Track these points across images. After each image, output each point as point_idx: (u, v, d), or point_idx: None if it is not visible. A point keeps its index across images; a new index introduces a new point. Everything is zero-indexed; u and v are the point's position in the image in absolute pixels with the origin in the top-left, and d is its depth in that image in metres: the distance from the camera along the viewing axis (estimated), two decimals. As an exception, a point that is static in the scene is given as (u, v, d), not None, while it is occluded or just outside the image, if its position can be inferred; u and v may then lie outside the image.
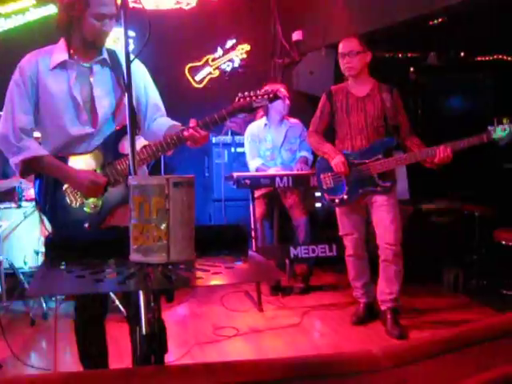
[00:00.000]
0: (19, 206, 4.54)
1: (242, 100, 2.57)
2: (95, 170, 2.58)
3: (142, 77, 2.73)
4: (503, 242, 4.44)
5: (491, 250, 4.83)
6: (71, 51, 2.56)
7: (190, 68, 6.22)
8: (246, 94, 2.56)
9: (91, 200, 2.56)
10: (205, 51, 6.23)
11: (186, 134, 2.48)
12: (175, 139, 2.51)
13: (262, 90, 2.58)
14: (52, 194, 2.57)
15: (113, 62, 2.63)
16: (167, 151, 2.57)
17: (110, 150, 2.61)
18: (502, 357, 1.26)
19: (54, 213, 2.60)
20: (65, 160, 2.56)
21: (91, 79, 2.58)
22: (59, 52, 2.56)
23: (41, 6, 5.62)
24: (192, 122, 2.50)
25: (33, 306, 4.27)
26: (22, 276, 4.42)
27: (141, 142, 2.71)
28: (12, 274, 4.47)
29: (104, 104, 2.60)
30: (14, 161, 2.52)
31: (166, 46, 5.54)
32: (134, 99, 2.59)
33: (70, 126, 2.55)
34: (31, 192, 4.80)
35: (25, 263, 4.48)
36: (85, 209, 2.56)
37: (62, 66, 2.55)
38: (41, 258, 4.48)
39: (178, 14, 6.13)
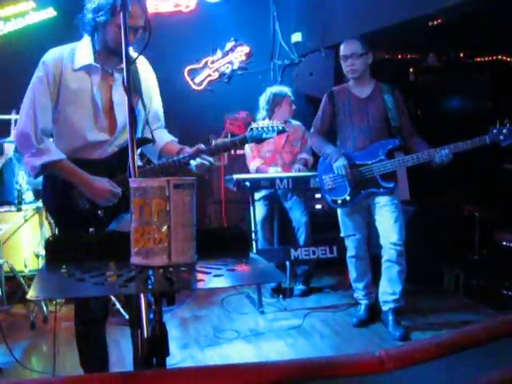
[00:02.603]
0: (19, 210, 4.53)
1: (255, 131, 2.73)
2: (108, 177, 2.56)
3: (153, 85, 2.75)
4: (504, 243, 4.44)
5: (492, 251, 4.83)
6: (95, 55, 2.55)
7: (190, 70, 6.22)
8: (259, 125, 2.74)
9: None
10: (204, 53, 6.23)
11: (193, 163, 2.58)
12: (182, 163, 2.58)
13: (272, 122, 2.78)
14: (60, 196, 2.56)
15: (133, 71, 2.62)
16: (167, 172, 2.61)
17: (123, 160, 2.58)
18: (506, 358, 1.25)
19: (60, 214, 2.59)
20: (78, 164, 2.54)
21: (112, 85, 2.58)
22: (84, 53, 2.54)
23: (40, 10, 5.61)
24: (197, 149, 2.58)
25: (33, 309, 4.26)
26: (22, 279, 4.41)
27: None
28: (12, 278, 4.47)
29: (122, 112, 2.58)
30: (33, 163, 2.48)
31: (166, 48, 5.53)
32: (140, 105, 2.64)
33: (87, 131, 2.54)
34: (30, 195, 4.81)
35: (25, 266, 4.48)
36: (92, 212, 2.56)
37: (87, 68, 2.53)
38: (41, 262, 4.47)
39: (178, 16, 6.13)
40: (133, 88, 2.62)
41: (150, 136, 2.63)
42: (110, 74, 2.58)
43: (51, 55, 2.53)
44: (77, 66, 2.52)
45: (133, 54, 2.70)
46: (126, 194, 2.55)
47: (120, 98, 2.57)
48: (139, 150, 2.75)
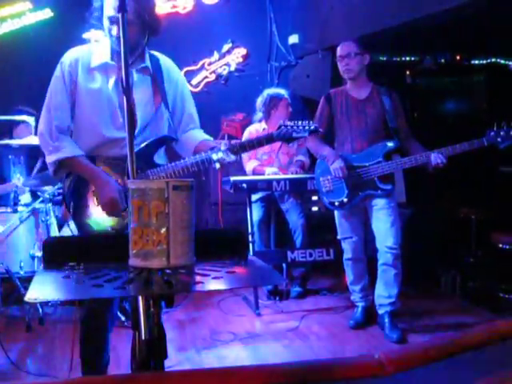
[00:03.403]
0: (15, 211, 4.51)
1: (283, 129, 2.66)
2: (125, 176, 2.56)
3: (181, 85, 2.77)
4: (500, 245, 4.45)
5: (488, 253, 4.84)
6: (114, 53, 2.57)
7: (186, 72, 6.21)
8: (288, 123, 2.66)
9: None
10: (201, 55, 6.23)
11: (218, 159, 2.58)
12: (205, 162, 2.59)
13: (304, 122, 2.69)
14: (80, 194, 2.57)
15: (155, 71, 2.65)
16: (193, 170, 2.62)
17: (143, 159, 2.60)
18: (505, 360, 1.25)
19: (79, 212, 2.58)
20: (98, 161, 2.57)
21: (132, 85, 2.55)
22: (101, 52, 2.58)
23: (37, 11, 5.60)
24: (224, 145, 2.59)
25: (29, 311, 4.24)
26: (18, 281, 4.39)
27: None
28: (8, 279, 4.44)
29: (142, 112, 2.60)
30: (49, 159, 2.54)
31: (162, 49, 5.52)
32: (169, 106, 2.65)
33: (103, 128, 2.55)
34: (27, 197, 4.79)
35: (21, 268, 4.45)
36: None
37: (103, 67, 2.56)
38: (37, 263, 4.45)
39: (175, 17, 6.12)
40: (155, 88, 2.64)
41: (174, 135, 2.66)
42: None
43: (69, 55, 2.58)
44: (93, 65, 2.56)
45: (157, 54, 2.73)
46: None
47: (141, 98, 2.60)
48: (163, 148, 2.75)
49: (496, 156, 4.15)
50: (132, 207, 1.47)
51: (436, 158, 3.66)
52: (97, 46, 2.62)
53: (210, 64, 6.26)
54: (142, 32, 2.49)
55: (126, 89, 1.72)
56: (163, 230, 1.43)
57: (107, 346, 2.66)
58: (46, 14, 5.60)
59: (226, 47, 6.25)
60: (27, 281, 4.47)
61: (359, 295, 4.20)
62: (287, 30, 6.29)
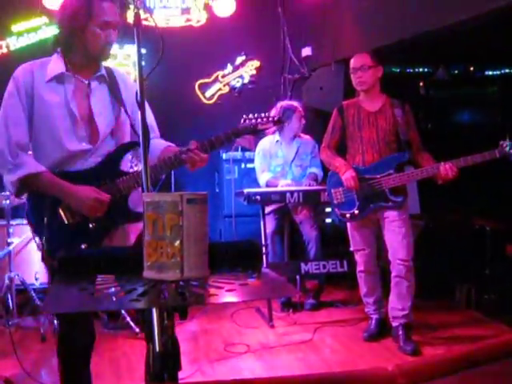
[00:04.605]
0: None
1: (247, 121, 2.62)
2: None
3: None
4: (515, 257, 4.41)
5: (503, 265, 4.79)
6: (68, 65, 2.50)
7: (200, 84, 6.25)
8: (251, 116, 2.62)
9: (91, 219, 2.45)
10: (215, 68, 6.27)
11: (184, 156, 2.45)
12: (173, 160, 2.47)
13: (267, 114, 2.66)
14: (46, 213, 2.41)
15: (111, 80, 2.59)
16: (162, 173, 2.51)
17: (110, 168, 2.54)
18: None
19: (48, 233, 2.41)
20: (61, 177, 2.44)
21: (89, 95, 2.53)
22: (55, 64, 2.50)
23: (53, 25, 5.66)
24: (192, 144, 2.47)
25: (44, 322, 4.27)
26: (33, 292, 4.42)
27: None
28: (23, 290, 4.48)
29: (103, 121, 2.53)
30: (10, 179, 2.41)
31: (177, 62, 5.57)
32: (129, 114, 2.57)
33: (67, 141, 2.46)
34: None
35: (36, 279, 4.49)
36: (82, 227, 2.44)
37: (59, 78, 2.49)
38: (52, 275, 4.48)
39: (189, 31, 6.18)
40: (113, 96, 2.57)
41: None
42: (87, 83, 2.53)
43: (21, 69, 2.51)
44: (48, 77, 2.47)
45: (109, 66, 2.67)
46: (118, 202, 2.49)
47: (101, 106, 2.54)
48: (130, 154, 2.66)
49: (511, 167, 4.13)
50: (146, 220, 1.48)
51: (447, 169, 3.66)
52: (50, 60, 2.53)
53: (223, 76, 6.29)
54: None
55: (141, 103, 1.74)
56: (177, 243, 1.44)
57: (88, 370, 2.60)
58: (62, 28, 5.67)
59: (239, 60, 6.28)
60: (42, 292, 4.51)
61: (373, 307, 4.18)
62: (300, 42, 6.32)
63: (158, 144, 2.66)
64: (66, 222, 2.45)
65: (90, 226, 2.45)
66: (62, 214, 2.45)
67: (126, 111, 2.57)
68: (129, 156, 2.65)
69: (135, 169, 2.72)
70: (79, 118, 2.49)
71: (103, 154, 2.54)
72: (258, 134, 2.78)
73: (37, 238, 2.48)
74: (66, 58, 2.52)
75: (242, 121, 2.63)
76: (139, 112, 1.77)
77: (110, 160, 2.55)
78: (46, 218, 2.41)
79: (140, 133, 1.79)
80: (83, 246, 2.40)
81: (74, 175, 2.47)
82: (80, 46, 2.49)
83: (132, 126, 2.56)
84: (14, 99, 2.44)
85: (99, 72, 2.57)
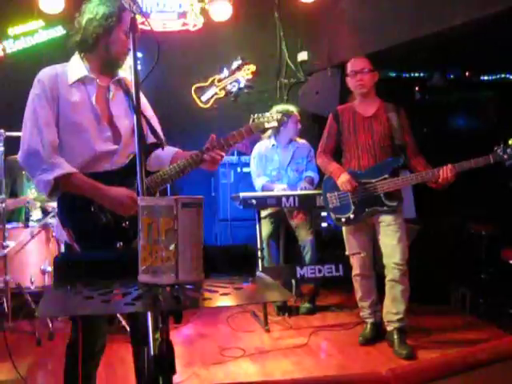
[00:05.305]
0: (26, 226, 4.55)
1: (256, 120, 2.80)
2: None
3: (145, 103, 2.73)
4: (510, 262, 4.42)
5: (499, 269, 4.80)
6: (89, 68, 2.54)
7: (197, 88, 6.25)
8: (258, 116, 2.80)
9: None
10: (211, 72, 6.28)
11: (206, 156, 2.56)
12: (195, 159, 2.56)
13: (271, 112, 2.88)
14: (80, 214, 2.44)
15: (126, 86, 2.64)
16: (177, 177, 2.57)
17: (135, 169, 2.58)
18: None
19: (83, 234, 2.44)
20: (91, 178, 2.46)
21: (109, 98, 2.57)
22: (77, 68, 2.54)
23: (49, 28, 5.68)
24: (211, 139, 2.60)
25: (39, 326, 4.26)
26: (28, 296, 4.42)
27: None
28: (18, 294, 4.47)
29: (123, 123, 2.57)
30: (45, 178, 2.38)
31: (173, 66, 5.59)
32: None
33: (95, 141, 2.49)
34: (38, 212, 4.82)
35: (31, 283, 4.48)
36: (116, 226, 2.46)
37: (81, 81, 2.52)
38: (47, 278, 4.48)
39: (185, 35, 6.19)
40: (131, 100, 2.58)
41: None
42: (106, 87, 2.58)
43: (45, 72, 2.52)
44: (71, 81, 2.50)
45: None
46: None
47: (120, 109, 2.58)
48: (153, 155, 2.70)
49: (507, 172, 4.15)
50: (141, 224, 1.49)
51: (441, 174, 3.67)
52: (70, 64, 2.56)
53: (219, 81, 6.28)
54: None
55: (137, 106, 1.74)
56: (172, 247, 1.44)
57: (95, 375, 2.62)
58: (59, 31, 5.68)
59: (235, 64, 6.28)
60: (38, 296, 4.50)
61: (368, 311, 4.19)
62: (296, 47, 6.35)
63: (169, 148, 2.72)
64: (102, 221, 2.46)
65: (123, 224, 2.47)
66: (96, 214, 2.46)
67: (143, 115, 2.57)
68: (152, 156, 2.69)
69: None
70: (104, 119, 2.53)
71: (127, 155, 2.57)
72: (265, 131, 2.91)
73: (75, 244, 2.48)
74: (87, 62, 2.56)
75: (251, 120, 2.80)
76: (134, 116, 1.76)
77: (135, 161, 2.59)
78: (80, 219, 2.44)
79: (136, 138, 1.79)
80: (118, 245, 2.44)
81: (103, 176, 2.49)
82: (102, 49, 2.52)
83: (150, 128, 2.58)
84: (42, 101, 2.45)
85: (117, 76, 2.62)
